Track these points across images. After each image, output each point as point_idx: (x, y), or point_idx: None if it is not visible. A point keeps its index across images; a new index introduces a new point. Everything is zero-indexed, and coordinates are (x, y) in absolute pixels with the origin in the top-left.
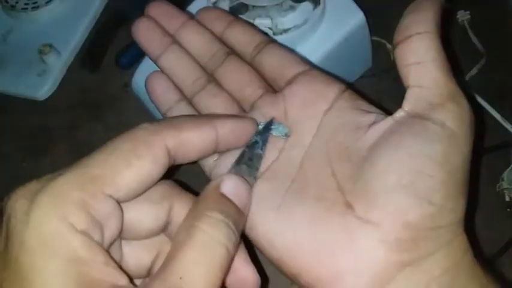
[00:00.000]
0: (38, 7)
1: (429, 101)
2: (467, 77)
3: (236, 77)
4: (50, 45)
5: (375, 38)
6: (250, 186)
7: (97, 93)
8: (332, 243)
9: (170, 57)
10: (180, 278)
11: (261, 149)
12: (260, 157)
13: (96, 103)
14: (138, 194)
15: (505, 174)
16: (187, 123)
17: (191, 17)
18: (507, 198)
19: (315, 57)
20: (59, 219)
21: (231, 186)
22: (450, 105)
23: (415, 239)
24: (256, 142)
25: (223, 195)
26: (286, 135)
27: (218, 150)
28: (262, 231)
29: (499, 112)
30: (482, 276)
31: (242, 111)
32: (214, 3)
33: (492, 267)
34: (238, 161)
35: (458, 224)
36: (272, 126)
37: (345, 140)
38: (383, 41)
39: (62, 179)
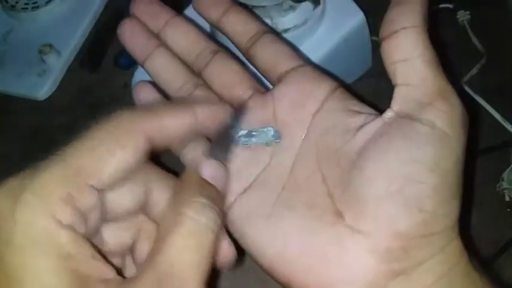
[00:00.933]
0: (38, 7)
1: (417, 100)
2: (467, 77)
3: (224, 77)
4: (50, 45)
5: (375, 38)
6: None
7: (97, 93)
8: (322, 253)
9: (156, 61)
10: (171, 265)
11: (235, 131)
12: (233, 139)
13: (96, 103)
14: (119, 182)
15: (505, 174)
16: (167, 110)
17: (176, 13)
18: (507, 198)
19: (315, 57)
20: (46, 216)
21: (210, 171)
22: (440, 104)
23: (406, 248)
24: (230, 125)
25: (204, 180)
26: (277, 140)
27: (195, 135)
28: (252, 240)
29: (499, 112)
30: (478, 279)
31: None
32: None
33: (489, 268)
34: (213, 144)
35: (452, 229)
36: (262, 130)
37: (334, 143)
38: None
39: (46, 174)
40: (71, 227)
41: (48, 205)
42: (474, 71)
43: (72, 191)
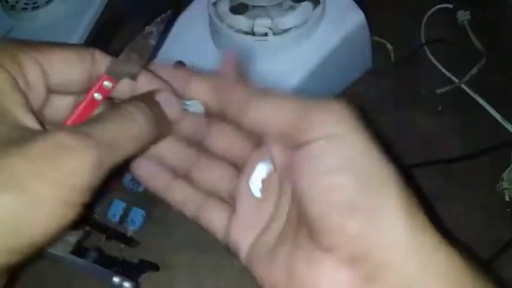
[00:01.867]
0: (38, 7)
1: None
2: (467, 77)
3: (223, 141)
4: None
5: (375, 38)
6: (137, 73)
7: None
8: (303, 277)
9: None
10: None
11: (154, 40)
12: (151, 47)
13: None
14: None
15: (505, 174)
16: (61, 47)
17: None
18: (507, 198)
19: (315, 57)
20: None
21: (165, 98)
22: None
23: (366, 250)
24: (151, 32)
25: (156, 101)
26: (202, 112)
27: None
28: (257, 271)
29: (499, 112)
30: (463, 267)
31: (237, 171)
32: (214, 3)
33: (489, 268)
34: (130, 49)
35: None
36: (188, 103)
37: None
38: (383, 41)
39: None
40: (11, 76)
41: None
42: (474, 71)
43: (27, 57)
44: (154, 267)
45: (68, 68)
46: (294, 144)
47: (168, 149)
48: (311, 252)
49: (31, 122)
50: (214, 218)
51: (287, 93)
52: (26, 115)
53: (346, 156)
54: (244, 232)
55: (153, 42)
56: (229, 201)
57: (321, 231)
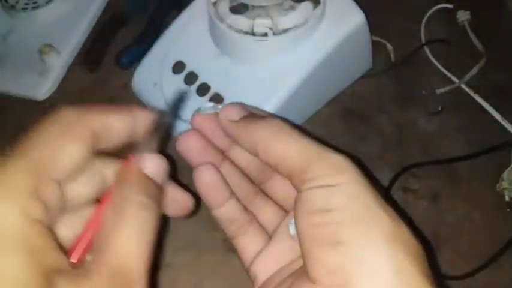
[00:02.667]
0: (38, 7)
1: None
2: (467, 77)
3: (281, 187)
4: (50, 45)
5: (375, 38)
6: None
7: (97, 93)
8: None
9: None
10: (120, 260)
11: (171, 120)
12: (170, 126)
13: (96, 103)
14: (75, 173)
15: (505, 174)
16: (110, 110)
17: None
18: (507, 198)
19: (315, 57)
20: (16, 211)
21: (152, 167)
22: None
23: (345, 284)
24: (166, 112)
25: (144, 175)
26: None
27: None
28: None
29: (499, 112)
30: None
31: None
32: (214, 3)
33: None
34: (151, 134)
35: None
36: (205, 107)
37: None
38: (383, 41)
39: (11, 168)
40: (39, 221)
41: (18, 200)
42: (474, 71)
43: (38, 184)
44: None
45: (119, 134)
46: (297, 189)
47: (234, 176)
48: (303, 284)
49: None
50: (250, 245)
51: (296, 133)
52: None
53: (338, 201)
54: (267, 265)
55: (170, 121)
56: (270, 236)
57: (307, 263)
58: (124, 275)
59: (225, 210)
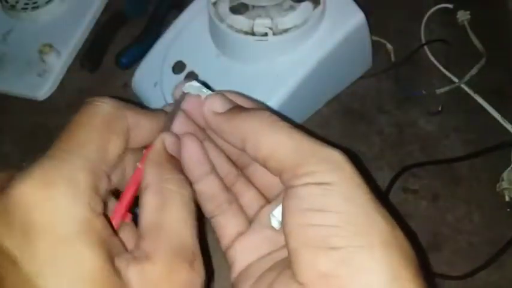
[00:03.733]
0: (38, 7)
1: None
2: (467, 77)
3: (264, 175)
4: (50, 45)
5: (375, 38)
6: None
7: (97, 93)
8: None
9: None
10: (177, 240)
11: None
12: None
13: None
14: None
15: (505, 174)
16: (144, 111)
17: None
18: (507, 198)
19: (315, 57)
20: (84, 206)
21: (173, 146)
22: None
23: (339, 285)
24: (178, 104)
25: (171, 155)
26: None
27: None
28: None
29: (499, 112)
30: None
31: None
32: (214, 3)
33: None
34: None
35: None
36: (192, 85)
37: None
38: (383, 41)
39: (69, 165)
40: (101, 214)
41: (83, 196)
42: (474, 71)
43: (95, 179)
44: None
45: (147, 135)
46: (287, 184)
47: (216, 156)
48: (289, 285)
49: None
50: (228, 226)
51: (288, 126)
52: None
53: (332, 201)
54: (245, 253)
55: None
56: (249, 220)
57: (296, 266)
58: (184, 252)
59: (205, 185)
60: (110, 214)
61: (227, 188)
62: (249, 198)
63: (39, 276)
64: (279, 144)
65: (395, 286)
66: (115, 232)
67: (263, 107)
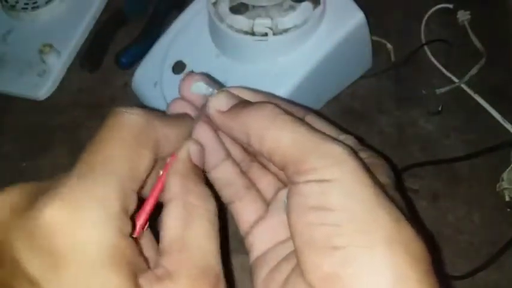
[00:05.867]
0: (38, 7)
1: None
2: (467, 77)
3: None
4: (50, 45)
5: (375, 38)
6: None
7: (97, 93)
8: None
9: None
10: (201, 257)
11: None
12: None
13: (96, 103)
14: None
15: (505, 174)
16: (171, 120)
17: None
18: (507, 198)
19: (315, 58)
20: (114, 231)
21: (199, 157)
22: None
23: (342, 286)
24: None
25: (195, 165)
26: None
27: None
28: (256, 282)
29: (499, 112)
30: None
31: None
32: (214, 3)
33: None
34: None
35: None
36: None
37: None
38: (383, 41)
39: (98, 186)
40: (130, 237)
41: (114, 219)
42: (474, 71)
43: (125, 199)
44: None
45: (174, 145)
46: (291, 180)
47: (229, 143)
48: (299, 284)
49: None
50: (246, 212)
51: (291, 120)
52: None
53: (333, 199)
54: (263, 238)
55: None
56: (267, 204)
57: (302, 266)
58: (208, 273)
59: (221, 171)
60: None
61: (244, 174)
62: (266, 183)
63: None
64: (282, 137)
65: (399, 287)
66: (140, 251)
67: (271, 98)
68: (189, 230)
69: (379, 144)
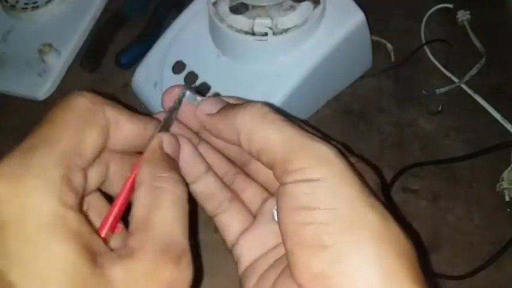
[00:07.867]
0: (38, 7)
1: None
2: (467, 77)
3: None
4: (50, 45)
5: (375, 38)
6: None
7: (97, 93)
8: None
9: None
10: (168, 236)
11: (174, 114)
12: (173, 120)
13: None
14: (92, 161)
15: (505, 174)
16: (125, 110)
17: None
18: (507, 198)
19: (315, 57)
20: (54, 200)
21: (171, 146)
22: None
23: (330, 286)
24: (175, 108)
25: (167, 154)
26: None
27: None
28: None
29: (499, 112)
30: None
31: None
32: (214, 3)
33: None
34: (165, 123)
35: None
36: (186, 95)
37: None
38: (383, 41)
39: (41, 157)
40: (74, 207)
41: (54, 189)
42: (474, 71)
43: (68, 172)
44: None
45: (127, 136)
46: (279, 181)
47: (212, 157)
48: (288, 285)
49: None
50: (232, 223)
51: (279, 119)
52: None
53: (320, 198)
54: (251, 248)
55: (173, 116)
56: (253, 215)
57: (291, 266)
58: (171, 249)
59: (202, 185)
60: (100, 216)
61: (227, 186)
62: (252, 193)
63: (11, 271)
64: (269, 138)
65: (388, 284)
66: (97, 232)
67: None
68: (155, 211)
69: (379, 144)
